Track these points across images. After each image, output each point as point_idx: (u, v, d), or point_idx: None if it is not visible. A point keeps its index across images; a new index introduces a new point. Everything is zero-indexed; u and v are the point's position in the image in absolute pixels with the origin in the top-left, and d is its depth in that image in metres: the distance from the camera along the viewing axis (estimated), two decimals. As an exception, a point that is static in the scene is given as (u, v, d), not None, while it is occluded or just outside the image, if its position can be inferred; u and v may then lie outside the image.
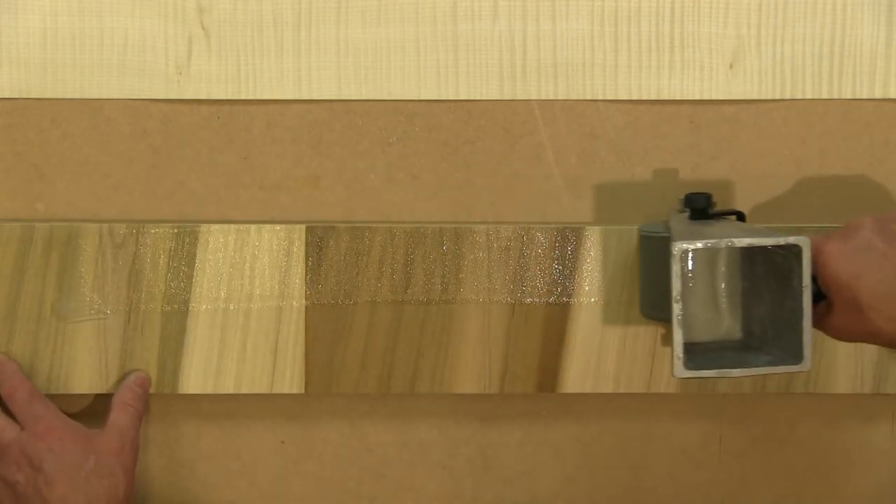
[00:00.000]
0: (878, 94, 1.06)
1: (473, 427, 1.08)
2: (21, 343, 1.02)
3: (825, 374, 1.05)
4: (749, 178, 1.07)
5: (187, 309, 1.03)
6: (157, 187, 1.05)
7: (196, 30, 1.04)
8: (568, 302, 1.04)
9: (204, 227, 1.03)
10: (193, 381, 1.03)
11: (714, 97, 1.06)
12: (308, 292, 1.03)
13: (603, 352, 1.04)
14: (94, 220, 1.04)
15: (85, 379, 1.03)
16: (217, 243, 1.03)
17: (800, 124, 1.07)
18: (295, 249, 1.03)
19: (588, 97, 1.06)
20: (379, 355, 1.04)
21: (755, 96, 1.06)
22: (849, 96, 1.06)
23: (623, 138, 1.06)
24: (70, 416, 1.02)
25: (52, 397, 1.03)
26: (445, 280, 1.04)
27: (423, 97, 1.05)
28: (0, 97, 1.03)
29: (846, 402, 1.09)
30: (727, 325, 0.98)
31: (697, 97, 1.06)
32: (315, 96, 1.05)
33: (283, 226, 1.03)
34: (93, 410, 1.06)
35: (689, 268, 0.96)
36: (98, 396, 1.04)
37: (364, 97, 1.05)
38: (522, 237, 1.04)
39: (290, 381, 1.04)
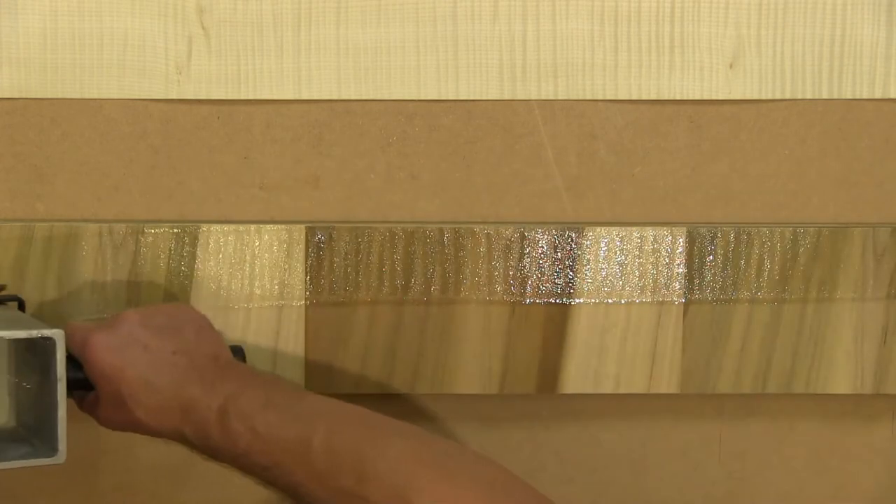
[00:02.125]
0: (878, 94, 1.06)
1: (473, 427, 1.08)
2: (21, 343, 1.02)
3: (825, 374, 1.05)
4: (749, 178, 1.07)
5: (187, 309, 1.03)
6: (157, 187, 1.05)
7: (196, 30, 1.04)
8: (568, 302, 1.04)
9: (204, 227, 1.03)
10: (193, 381, 1.03)
11: (714, 97, 1.06)
12: (308, 292, 1.03)
13: (603, 352, 1.04)
14: (94, 220, 1.04)
15: (85, 379, 1.03)
16: (217, 243, 1.03)
17: (800, 124, 1.07)
18: (295, 249, 1.03)
19: (588, 97, 1.06)
20: (379, 355, 1.04)
21: (755, 96, 1.06)
22: (849, 96, 1.06)
23: (623, 138, 1.06)
24: (68, 416, 1.02)
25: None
26: (445, 280, 1.04)
27: (423, 97, 1.05)
28: (0, 97, 1.03)
29: (846, 402, 1.09)
30: (4, 414, 0.95)
31: (697, 97, 1.06)
32: (315, 96, 1.05)
33: (283, 226, 1.03)
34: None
35: None
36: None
37: (364, 97, 1.05)
38: (522, 237, 1.04)
39: (290, 381, 1.04)
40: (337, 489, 0.82)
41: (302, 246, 1.03)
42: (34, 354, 0.90)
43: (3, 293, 0.98)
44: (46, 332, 0.86)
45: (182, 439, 0.89)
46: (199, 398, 0.87)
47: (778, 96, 1.06)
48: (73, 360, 0.89)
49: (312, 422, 0.85)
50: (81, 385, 0.90)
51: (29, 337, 0.86)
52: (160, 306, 0.95)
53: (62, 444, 0.87)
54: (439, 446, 0.86)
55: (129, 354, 0.89)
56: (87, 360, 0.89)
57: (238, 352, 0.96)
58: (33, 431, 0.91)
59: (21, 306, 0.99)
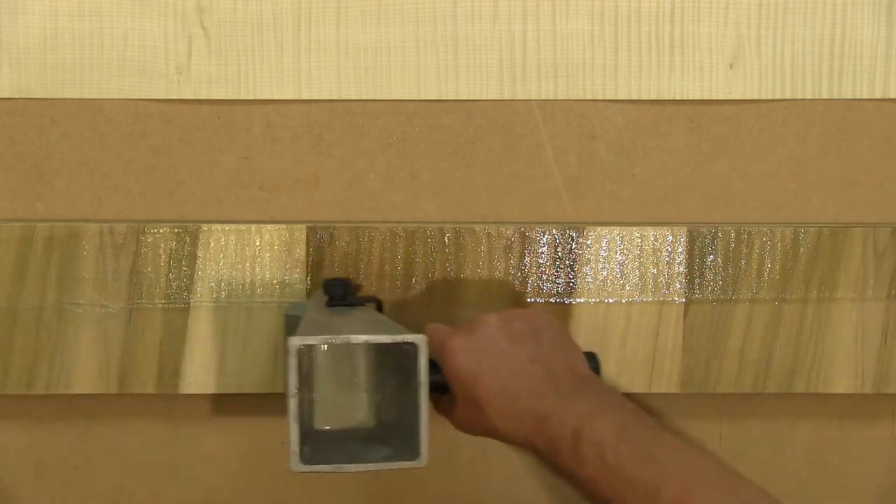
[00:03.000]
0: (878, 94, 1.06)
1: (474, 427, 1.08)
2: (21, 343, 1.02)
3: (825, 374, 1.05)
4: (749, 178, 1.07)
5: (188, 309, 1.03)
6: (157, 187, 1.05)
7: (196, 30, 1.04)
8: (568, 302, 1.04)
9: (204, 227, 1.03)
10: (194, 381, 1.03)
11: (714, 97, 1.06)
12: (308, 292, 1.03)
13: (603, 352, 1.04)
14: (94, 220, 1.04)
15: (86, 379, 1.03)
16: (217, 243, 1.03)
17: (800, 124, 1.07)
18: (295, 249, 1.03)
19: (588, 97, 1.06)
20: (379, 355, 1.04)
21: (755, 96, 1.06)
22: (849, 96, 1.06)
23: (623, 138, 1.06)
24: (69, 416, 1.02)
25: (52, 397, 1.04)
26: (445, 280, 1.04)
27: (423, 97, 1.05)
28: (0, 97, 1.03)
29: (846, 402, 1.09)
30: (363, 413, 0.95)
31: (697, 97, 1.06)
32: (315, 96, 1.05)
33: (284, 226, 1.03)
34: (92, 411, 1.06)
35: (322, 353, 0.94)
36: (98, 396, 1.04)
37: (364, 97, 1.05)
38: (522, 237, 1.04)
39: (291, 382, 1.04)
40: None
41: (302, 246, 1.03)
42: (393, 356, 0.90)
43: (362, 294, 0.99)
44: (410, 338, 0.85)
45: (533, 449, 0.87)
46: (554, 413, 0.86)
47: (778, 96, 1.06)
48: (431, 363, 0.88)
49: (666, 468, 0.82)
50: (438, 388, 0.89)
51: (393, 342, 0.86)
52: (519, 312, 0.92)
53: (424, 448, 0.86)
54: None
55: (487, 360, 0.88)
56: (444, 363, 0.89)
57: (592, 358, 0.94)
58: (393, 432, 0.91)
59: (380, 307, 1.00)
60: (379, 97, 1.05)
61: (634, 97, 1.06)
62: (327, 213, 1.06)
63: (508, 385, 0.87)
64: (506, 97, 1.05)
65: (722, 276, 1.04)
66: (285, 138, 1.06)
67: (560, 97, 1.06)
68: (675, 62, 1.05)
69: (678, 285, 1.04)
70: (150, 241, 1.02)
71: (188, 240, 1.03)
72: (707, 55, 1.05)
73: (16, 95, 1.04)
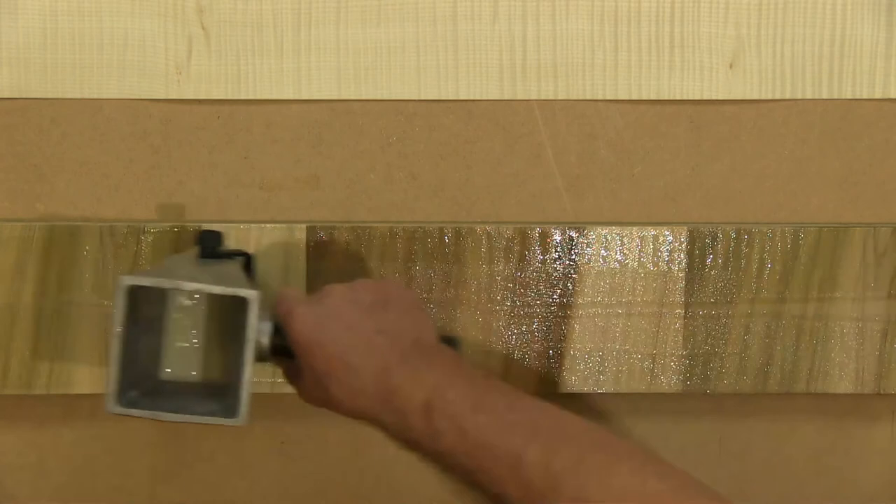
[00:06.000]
0: (878, 94, 1.06)
1: (474, 427, 1.08)
2: (21, 343, 1.02)
3: (825, 374, 1.05)
4: (749, 178, 1.07)
5: (187, 309, 1.03)
6: (157, 187, 1.05)
7: (196, 30, 1.04)
8: (568, 302, 1.04)
9: (204, 227, 1.03)
10: (193, 381, 1.03)
11: (714, 97, 1.06)
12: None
13: (603, 352, 1.04)
14: (94, 220, 1.04)
15: (86, 379, 1.02)
16: (217, 243, 1.03)
17: (800, 124, 1.07)
18: (295, 249, 1.03)
19: (588, 97, 1.06)
20: (379, 355, 1.04)
21: (755, 96, 1.06)
22: (849, 96, 1.06)
23: (623, 138, 1.06)
24: (69, 416, 1.02)
25: (52, 397, 1.03)
26: (446, 280, 1.04)
27: (423, 97, 1.05)
28: (0, 97, 1.03)
29: (846, 402, 1.09)
30: (212, 367, 0.93)
31: (697, 97, 1.06)
32: (315, 96, 1.05)
33: (284, 226, 1.03)
34: (92, 411, 1.06)
35: (181, 302, 0.91)
36: (98, 397, 1.04)
37: (364, 97, 1.05)
38: (522, 237, 1.04)
39: (291, 382, 1.04)
40: None
41: (302, 246, 1.03)
42: (238, 312, 0.87)
43: (233, 248, 0.98)
44: (242, 293, 0.84)
45: (380, 426, 0.85)
46: (402, 386, 0.83)
47: (778, 96, 1.06)
48: (281, 329, 0.87)
49: (529, 434, 0.80)
50: (285, 353, 0.87)
51: (224, 293, 0.84)
52: (368, 283, 0.90)
53: (244, 408, 0.84)
54: (671, 482, 0.78)
55: (331, 331, 0.86)
56: (289, 330, 0.87)
57: (452, 342, 0.92)
58: (227, 389, 0.88)
59: (248, 263, 0.98)
60: (379, 97, 1.05)
61: (634, 97, 1.06)
62: (327, 213, 1.06)
63: (352, 358, 0.85)
64: (506, 97, 1.05)
65: (722, 275, 1.04)
66: (285, 138, 1.06)
67: (560, 97, 1.06)
68: (675, 62, 1.05)
69: (678, 285, 1.04)
70: (149, 241, 1.02)
71: (188, 240, 1.02)
72: (707, 55, 1.05)
73: (16, 95, 1.04)
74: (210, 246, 0.96)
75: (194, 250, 0.96)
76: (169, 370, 0.91)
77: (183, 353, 0.92)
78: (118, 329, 0.84)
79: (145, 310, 0.87)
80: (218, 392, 0.88)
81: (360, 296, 0.88)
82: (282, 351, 0.87)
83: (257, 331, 0.85)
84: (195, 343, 0.92)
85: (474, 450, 0.80)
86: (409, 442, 0.84)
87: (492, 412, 0.82)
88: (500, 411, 0.82)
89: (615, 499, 0.76)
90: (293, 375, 0.90)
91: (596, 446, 0.80)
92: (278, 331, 0.87)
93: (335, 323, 0.86)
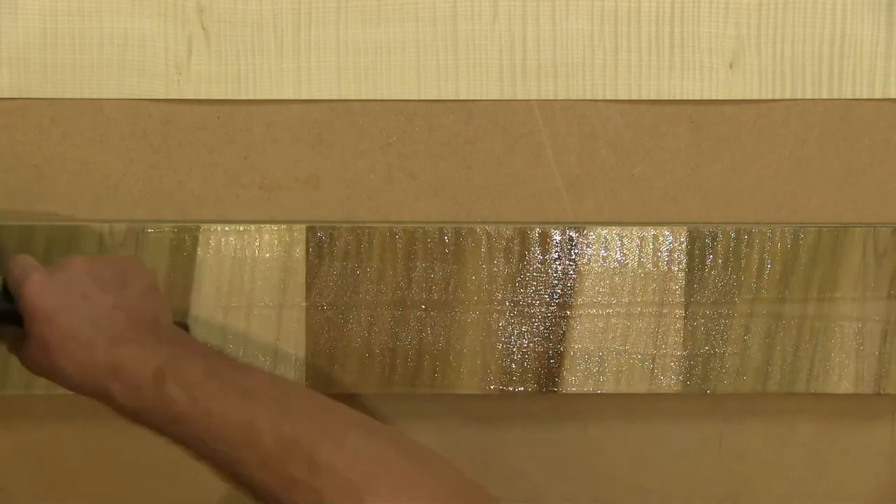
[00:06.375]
0: (878, 94, 1.06)
1: (474, 427, 1.08)
2: (21, 343, 1.02)
3: (825, 374, 1.05)
4: (749, 178, 1.07)
5: (188, 309, 1.03)
6: (157, 187, 1.05)
7: (196, 30, 1.04)
8: (568, 302, 1.04)
9: (204, 227, 1.03)
10: (193, 381, 1.03)
11: (714, 97, 1.06)
12: (308, 292, 1.03)
13: (603, 352, 1.04)
14: (94, 220, 1.04)
15: (85, 379, 1.02)
16: (217, 243, 1.03)
17: (800, 124, 1.07)
18: (295, 249, 1.03)
19: (588, 97, 1.06)
20: (379, 355, 1.04)
21: (755, 96, 1.06)
22: (849, 96, 1.06)
23: (623, 138, 1.06)
24: (69, 416, 1.02)
25: (53, 397, 1.03)
26: (446, 280, 1.04)
27: (423, 97, 1.05)
28: (0, 97, 1.03)
29: (846, 402, 1.09)
30: None
31: (697, 97, 1.06)
32: (315, 96, 1.05)
33: (284, 226, 1.03)
34: (92, 411, 1.06)
35: None
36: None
37: (364, 97, 1.05)
38: (522, 237, 1.04)
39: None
40: (285, 476, 0.79)
41: (302, 246, 1.03)
42: None
43: None
44: None
45: (106, 398, 0.85)
46: (134, 357, 0.84)
47: (778, 96, 1.06)
48: (9, 295, 0.87)
49: (261, 401, 0.82)
50: (9, 318, 0.87)
51: None
52: (109, 258, 0.92)
53: None
54: (400, 446, 0.83)
55: (65, 300, 0.86)
56: (21, 296, 0.86)
57: (183, 327, 0.94)
58: None
59: None
60: (379, 97, 1.05)
61: (634, 97, 1.06)
62: (327, 213, 1.06)
63: (84, 330, 0.85)
64: (506, 97, 1.05)
65: (722, 275, 1.04)
66: (285, 138, 1.06)
67: (560, 97, 1.05)
68: (675, 62, 1.05)
69: (678, 285, 1.04)
70: (149, 241, 1.02)
71: (187, 240, 1.02)
72: (707, 55, 1.05)
73: (16, 95, 1.04)
74: None
75: None
76: None
77: None
78: None
79: None
80: None
81: (100, 270, 0.88)
82: (7, 316, 0.87)
83: None
84: None
85: (206, 417, 0.82)
86: (139, 414, 0.85)
87: (225, 380, 0.83)
88: (233, 379, 0.84)
89: (348, 465, 0.78)
90: (17, 343, 0.89)
91: (327, 413, 0.82)
92: (7, 295, 0.87)
93: (71, 294, 0.86)
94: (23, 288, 0.86)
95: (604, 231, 1.04)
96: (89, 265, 0.89)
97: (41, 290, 0.86)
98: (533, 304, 1.04)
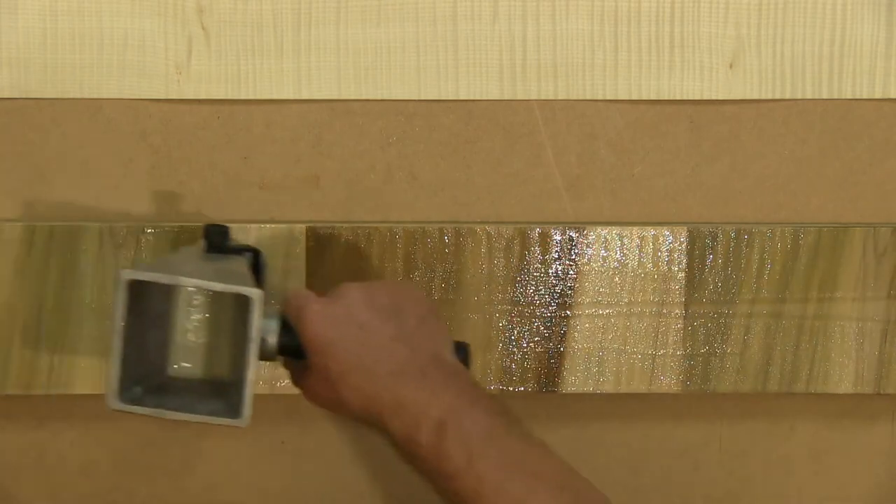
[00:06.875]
0: (878, 94, 1.06)
1: (474, 427, 1.08)
2: (21, 343, 1.02)
3: (825, 374, 1.05)
4: (749, 178, 1.07)
5: (187, 309, 1.03)
6: (157, 187, 1.05)
7: (196, 30, 1.04)
8: (568, 302, 1.04)
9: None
10: (193, 381, 1.03)
11: (714, 97, 1.06)
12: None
13: (603, 352, 1.04)
14: (94, 220, 1.04)
15: (86, 380, 1.02)
16: (217, 243, 1.03)
17: (800, 124, 1.07)
18: (295, 249, 1.03)
19: (588, 97, 1.06)
20: (379, 355, 1.04)
21: (755, 96, 1.06)
22: (849, 96, 1.06)
23: (623, 138, 1.06)
24: (69, 416, 1.02)
25: (53, 397, 1.03)
26: (446, 280, 1.04)
27: (423, 97, 1.05)
28: (0, 97, 1.03)
29: (846, 402, 1.09)
30: (220, 364, 0.90)
31: (697, 97, 1.06)
32: (315, 96, 1.05)
33: (284, 225, 1.03)
34: (93, 411, 1.06)
35: (191, 298, 0.89)
36: (99, 396, 1.04)
37: (364, 97, 1.05)
38: (522, 237, 1.04)
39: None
40: None
41: (302, 246, 1.03)
42: (243, 310, 0.84)
43: (241, 243, 0.95)
44: (245, 291, 0.81)
45: (386, 433, 0.83)
46: (418, 400, 0.82)
47: (778, 96, 1.06)
48: (289, 327, 0.85)
49: (535, 481, 0.80)
50: (294, 353, 0.85)
51: (225, 291, 0.82)
52: (385, 284, 0.89)
53: (247, 409, 0.82)
54: None
55: (344, 331, 0.84)
56: (301, 329, 0.84)
57: (462, 350, 0.90)
58: (232, 388, 0.85)
59: (256, 260, 0.95)
60: (379, 97, 1.05)
61: (634, 97, 1.06)
62: (327, 213, 1.06)
63: (365, 361, 0.83)
64: (506, 97, 1.05)
65: (722, 275, 1.04)
66: (285, 138, 1.06)
67: (560, 97, 1.06)
68: (675, 62, 1.05)
69: (678, 285, 1.04)
70: (149, 241, 1.02)
71: (188, 240, 1.02)
72: (707, 55, 1.05)
73: (16, 95, 1.04)
74: (217, 240, 0.94)
75: (201, 244, 0.95)
76: (176, 366, 0.89)
77: (189, 349, 0.90)
78: (120, 324, 0.82)
79: (151, 304, 0.86)
80: (223, 391, 0.87)
81: (376, 298, 0.86)
82: (289, 350, 0.86)
83: (262, 329, 0.83)
84: (201, 339, 0.90)
85: (478, 483, 0.80)
86: (412, 456, 0.83)
87: (504, 449, 0.81)
88: (513, 451, 0.82)
89: None
90: (299, 375, 0.88)
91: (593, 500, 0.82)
92: (287, 329, 0.85)
93: (349, 325, 0.84)
94: (302, 320, 0.84)
95: (604, 231, 1.04)
96: (365, 293, 0.86)
97: (321, 321, 0.84)
98: (533, 304, 1.04)
